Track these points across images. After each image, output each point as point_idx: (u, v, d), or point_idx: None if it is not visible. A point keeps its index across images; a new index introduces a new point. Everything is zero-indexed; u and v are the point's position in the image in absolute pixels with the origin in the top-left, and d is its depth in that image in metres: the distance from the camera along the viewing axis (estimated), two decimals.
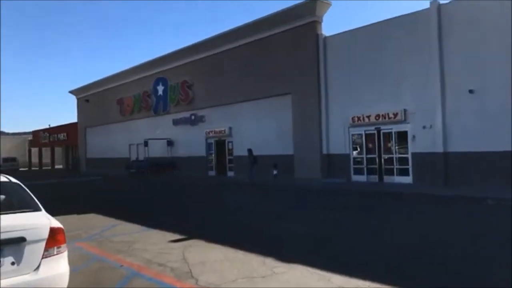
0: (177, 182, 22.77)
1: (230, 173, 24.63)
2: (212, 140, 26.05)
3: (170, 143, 29.08)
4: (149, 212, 12.07)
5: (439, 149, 15.45)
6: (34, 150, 54.27)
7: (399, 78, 16.71)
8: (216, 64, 25.14)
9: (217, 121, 25.31)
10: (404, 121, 16.61)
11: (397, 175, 17.03)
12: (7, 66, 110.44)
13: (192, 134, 27.19)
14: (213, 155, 26.02)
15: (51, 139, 47.93)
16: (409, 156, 16.58)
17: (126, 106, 33.74)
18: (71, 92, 42.50)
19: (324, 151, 19.37)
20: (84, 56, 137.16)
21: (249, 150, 20.78)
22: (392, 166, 17.20)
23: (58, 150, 52.33)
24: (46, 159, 52.97)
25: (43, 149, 52.80)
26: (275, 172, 19.95)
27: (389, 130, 17.26)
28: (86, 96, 40.03)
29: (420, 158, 16.11)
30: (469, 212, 10.39)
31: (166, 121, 29.47)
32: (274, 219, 10.10)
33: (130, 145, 33.42)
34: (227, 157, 25.12)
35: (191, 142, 27.13)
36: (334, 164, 19.05)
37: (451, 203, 11.77)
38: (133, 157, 32.45)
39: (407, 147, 16.71)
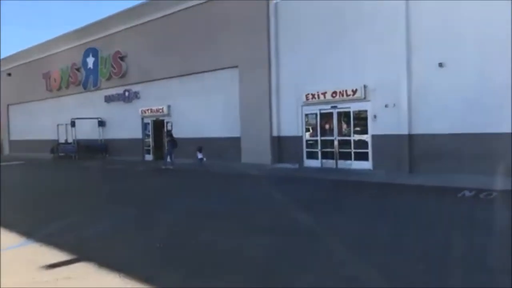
0: (101, 169, 19.59)
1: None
2: (149, 120, 22.96)
3: (101, 123, 25.63)
4: (49, 212, 9.15)
5: (404, 131, 13.52)
6: None
7: (359, 50, 14.57)
8: (153, 32, 21.89)
9: (154, 98, 22.22)
10: (364, 99, 14.56)
11: (355, 159, 15.04)
12: None
13: (126, 113, 23.92)
14: (150, 138, 22.97)
15: None
16: (369, 138, 14.61)
17: (53, 80, 29.59)
18: None
19: (275, 133, 17.05)
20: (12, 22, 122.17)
21: (168, 132, 19.60)
22: (349, 150, 15.19)
23: None
24: None
25: None
26: (199, 156, 17.46)
27: (347, 109, 15.18)
28: (8, 69, 35.07)
29: (382, 141, 14.17)
30: (447, 207, 8.40)
31: (98, 98, 25.90)
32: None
33: (58, 125, 29.32)
34: (166, 140, 22.14)
35: (125, 122, 23.89)
36: (286, 147, 16.80)
37: (421, 196, 9.81)
38: (62, 139, 28.58)
39: (367, 129, 14.72)
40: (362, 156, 14.83)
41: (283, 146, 16.91)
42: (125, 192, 12.04)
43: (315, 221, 7.17)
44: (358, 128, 15.09)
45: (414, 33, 13.29)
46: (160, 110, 21.72)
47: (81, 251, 5.64)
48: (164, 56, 21.15)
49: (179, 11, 20.40)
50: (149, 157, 22.96)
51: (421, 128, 13.27)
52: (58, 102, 29.77)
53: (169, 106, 21.38)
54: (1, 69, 36.06)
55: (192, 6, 19.72)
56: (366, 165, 14.68)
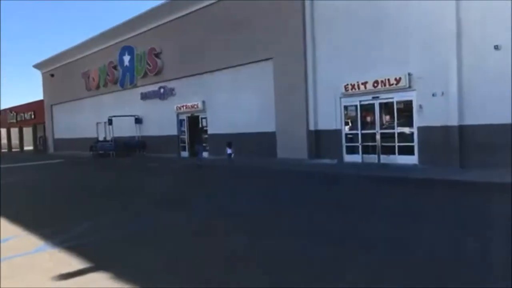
0: (136, 166, 19.48)
1: (205, 154, 21.35)
2: (184, 117, 22.70)
3: (138, 120, 25.69)
4: (76, 213, 8.88)
5: (453, 121, 12.33)
6: (4, 131, 50.28)
7: (402, 35, 13.47)
8: (186, 27, 21.56)
9: (189, 94, 21.92)
10: (408, 88, 13.44)
11: (399, 154, 13.96)
12: None
13: (161, 109, 23.81)
14: (186, 134, 22.72)
15: (18, 119, 44.06)
16: (415, 131, 13.48)
17: (92, 79, 30.07)
18: (35, 66, 38.49)
19: (312, 127, 16.21)
20: (52, 26, 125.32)
21: (202, 128, 19.98)
22: (393, 144, 14.11)
23: (28, 130, 48.40)
24: (17, 140, 49.03)
25: (12, 129, 48.73)
26: (229, 151, 16.95)
27: (390, 100, 14.12)
28: (51, 70, 36.15)
29: (429, 133, 13.02)
30: None
31: (134, 96, 25.99)
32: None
33: (97, 123, 29.89)
34: (202, 136, 21.78)
35: (161, 119, 23.77)
36: (323, 142, 15.94)
37: (484, 195, 8.72)
38: (101, 137, 29.03)
39: (412, 120, 13.61)
40: (407, 150, 13.74)
41: (320, 141, 16.06)
42: (156, 191, 11.67)
43: (388, 231, 6.31)
44: (402, 120, 14.00)
45: (465, 13, 12.04)
46: (195, 106, 21.39)
47: (101, 258, 5.17)
48: (198, 51, 20.78)
49: (212, 4, 19.91)
50: (185, 154, 22.73)
51: (473, 118, 12.02)
52: (97, 101, 30.25)
53: (203, 102, 20.99)
54: (44, 71, 37.28)
55: None
56: (412, 159, 13.58)
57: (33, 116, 40.95)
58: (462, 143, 12.22)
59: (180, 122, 22.96)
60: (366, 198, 8.74)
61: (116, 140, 25.61)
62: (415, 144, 13.49)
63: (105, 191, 11.70)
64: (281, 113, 17.08)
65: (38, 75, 39.20)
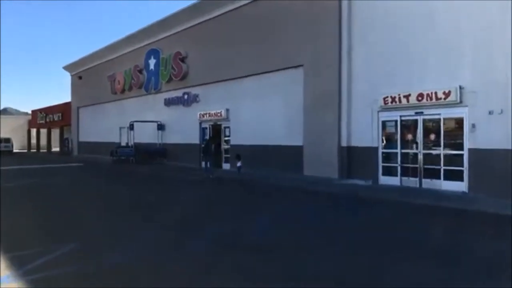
0: (151, 176, 18.23)
1: (226, 166, 20.01)
2: (207, 125, 21.46)
3: (160, 126, 24.69)
4: (60, 229, 7.60)
5: None
6: (34, 131, 50.81)
7: (452, 42, 11.73)
8: (212, 31, 20.43)
9: (213, 101, 20.69)
10: (459, 103, 11.62)
11: (445, 179, 12.10)
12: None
13: (184, 116, 22.71)
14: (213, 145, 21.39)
15: (47, 120, 44.28)
16: (465, 153, 11.62)
17: (117, 83, 29.41)
18: (65, 68, 38.46)
19: (344, 143, 14.56)
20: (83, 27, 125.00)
21: (208, 140, 18.19)
22: (438, 166, 12.25)
23: (56, 132, 48.66)
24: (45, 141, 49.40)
25: (42, 130, 49.10)
26: (238, 164, 15.65)
27: (436, 116, 12.31)
28: (80, 73, 35.95)
29: (482, 156, 11.13)
30: None
31: (158, 101, 25.05)
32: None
33: (120, 128, 29.14)
34: (223, 146, 20.50)
35: (184, 126, 22.63)
36: (356, 160, 14.25)
37: None
38: (124, 142, 28.26)
39: (462, 141, 11.76)
40: (455, 175, 11.87)
41: (353, 158, 14.37)
42: (165, 207, 10.31)
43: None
44: (450, 140, 12.15)
45: None
46: (218, 114, 20.11)
47: None
48: (223, 56, 19.57)
49: (240, 7, 18.68)
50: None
51: None
52: (121, 105, 29.59)
53: (227, 110, 19.68)
54: (73, 73, 37.15)
55: (254, 0, 17.87)
56: (460, 186, 11.71)
57: (61, 118, 40.98)
58: None
59: (202, 131, 21.73)
60: (420, 234, 7.04)
61: (136, 146, 24.69)
62: (465, 168, 11.62)
63: (109, 204, 10.46)
64: (310, 125, 15.52)
65: (68, 77, 39.13)
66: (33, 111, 50.04)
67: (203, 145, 17.44)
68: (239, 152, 18.18)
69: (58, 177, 17.88)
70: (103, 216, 9.03)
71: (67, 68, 38.08)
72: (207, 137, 18.68)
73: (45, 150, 47.01)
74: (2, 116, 54.17)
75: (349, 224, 8.18)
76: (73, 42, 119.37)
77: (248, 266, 5.32)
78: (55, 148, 47.71)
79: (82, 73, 35.32)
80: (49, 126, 45.11)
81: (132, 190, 13.73)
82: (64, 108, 40.12)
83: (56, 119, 41.97)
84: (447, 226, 7.86)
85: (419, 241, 6.68)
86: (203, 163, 17.44)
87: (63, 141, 41.29)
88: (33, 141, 50.54)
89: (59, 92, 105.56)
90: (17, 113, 60.30)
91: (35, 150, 48.98)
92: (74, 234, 7.08)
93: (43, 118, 44.96)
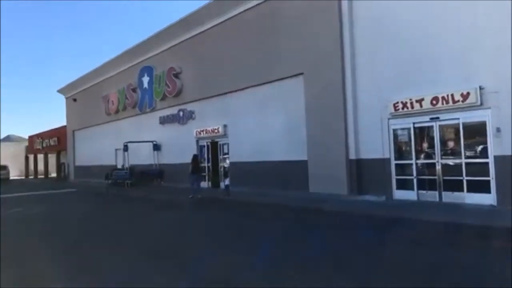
0: (145, 201, 16.82)
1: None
2: (204, 142, 20.24)
3: (156, 147, 23.48)
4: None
5: None
6: (32, 157, 49.70)
7: (469, 37, 10.57)
8: (206, 43, 19.40)
9: (209, 117, 19.52)
10: (480, 105, 10.39)
11: (468, 191, 10.76)
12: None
13: (181, 135, 21.50)
14: (206, 162, 20.18)
15: (44, 145, 43.24)
16: (491, 161, 10.32)
17: (111, 103, 28.35)
18: (59, 91, 37.55)
19: (352, 155, 13.28)
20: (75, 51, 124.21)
21: (195, 156, 16.57)
22: (459, 178, 10.93)
23: (53, 157, 47.54)
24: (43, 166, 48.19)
25: (39, 155, 47.97)
26: (226, 183, 14.87)
27: (455, 121, 11.05)
28: (74, 95, 35.00)
29: (511, 164, 9.84)
30: None
31: (153, 120, 23.89)
32: None
33: (116, 150, 27.96)
34: (223, 165, 19.22)
35: (180, 145, 21.38)
36: (367, 174, 12.94)
37: None
38: (120, 165, 27.03)
39: (486, 147, 10.47)
40: (480, 186, 10.54)
41: (363, 172, 13.07)
42: (152, 244, 8.99)
43: None
44: (472, 147, 10.88)
45: None
46: (216, 131, 18.90)
47: None
48: (219, 69, 18.50)
49: (233, 16, 17.67)
50: (204, 184, 20.09)
51: None
52: (116, 126, 28.46)
53: (225, 126, 18.48)
54: (67, 95, 36.25)
55: (249, 8, 16.85)
56: (486, 199, 10.38)
57: (57, 142, 39.92)
58: None
59: (200, 149, 20.49)
60: (448, 261, 5.71)
61: (132, 169, 23.46)
62: (492, 178, 10.29)
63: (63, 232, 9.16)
64: (314, 138, 14.26)
65: (62, 100, 38.19)
66: (30, 137, 49.06)
67: (193, 164, 16.07)
68: (237, 169, 16.94)
69: (43, 205, 16.57)
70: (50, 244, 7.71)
71: (61, 91, 37.16)
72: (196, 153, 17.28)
73: (42, 176, 45.86)
74: (2, 143, 53.11)
75: (364, 248, 6.83)
76: (67, 64, 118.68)
77: None
78: (53, 174, 46.57)
79: (77, 95, 34.37)
80: (46, 151, 44.02)
81: (102, 217, 12.39)
82: (60, 132, 39.08)
83: (52, 143, 40.92)
84: (479, 250, 6.51)
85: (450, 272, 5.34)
86: (190, 183, 16.08)
87: (59, 166, 40.11)
88: (31, 167, 49.42)
89: (57, 116, 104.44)
90: (20, 139, 59.36)
91: (32, 177, 47.83)
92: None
93: (40, 143, 43.94)
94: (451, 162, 11.19)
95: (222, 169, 18.76)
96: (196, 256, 6.90)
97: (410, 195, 11.92)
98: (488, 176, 10.35)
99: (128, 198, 17.99)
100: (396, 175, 12.32)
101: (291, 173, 15.03)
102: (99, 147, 30.80)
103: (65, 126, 37.70)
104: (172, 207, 14.02)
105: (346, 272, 5.62)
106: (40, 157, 47.04)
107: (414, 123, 11.86)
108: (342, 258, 6.34)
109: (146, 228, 10.14)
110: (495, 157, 10.19)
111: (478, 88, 10.33)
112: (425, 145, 11.82)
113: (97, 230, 10.13)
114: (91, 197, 19.98)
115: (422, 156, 11.84)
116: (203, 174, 18.88)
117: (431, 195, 11.49)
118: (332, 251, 6.84)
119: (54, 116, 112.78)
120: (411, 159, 11.97)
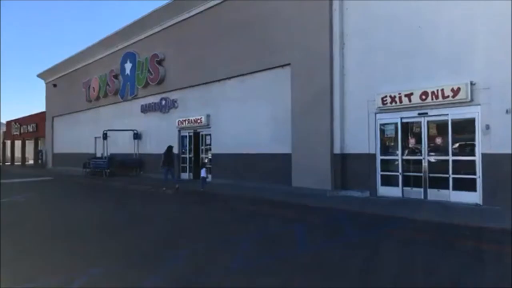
0: (121, 191, 16.17)
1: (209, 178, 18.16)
2: (186, 133, 19.66)
3: (137, 135, 22.81)
4: None
5: None
6: (9, 143, 48.24)
7: (461, 31, 10.27)
8: (191, 30, 18.78)
9: (192, 107, 18.95)
10: (470, 101, 10.11)
11: (454, 189, 10.50)
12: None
13: (162, 124, 20.91)
14: (187, 153, 19.63)
15: (21, 131, 41.91)
16: (478, 159, 10.06)
17: (92, 90, 27.46)
18: (39, 76, 36.34)
19: (337, 150, 12.90)
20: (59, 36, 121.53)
21: (169, 148, 15.66)
22: (446, 175, 10.65)
23: (31, 143, 46.22)
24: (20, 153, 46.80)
25: (16, 142, 46.54)
26: (203, 174, 14.52)
27: (443, 118, 10.75)
28: (54, 80, 33.90)
29: (498, 163, 9.60)
30: None
31: (134, 108, 23.20)
32: None
33: (96, 138, 27.07)
34: (203, 156, 18.72)
35: (162, 134, 20.79)
36: (352, 169, 12.59)
37: None
38: (100, 153, 26.21)
39: (473, 145, 10.21)
40: (466, 185, 10.29)
41: (348, 167, 12.71)
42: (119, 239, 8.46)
43: None
44: (459, 144, 10.61)
45: None
46: (199, 121, 18.34)
47: None
48: (204, 57, 17.92)
49: (220, 3, 17.09)
50: (185, 176, 19.57)
51: None
52: (96, 113, 27.63)
53: (208, 116, 17.93)
54: (48, 80, 35.13)
55: None
56: (472, 197, 10.14)
57: (35, 129, 38.72)
58: None
59: (182, 139, 19.91)
60: (431, 263, 5.36)
61: (110, 158, 22.72)
62: (478, 177, 10.04)
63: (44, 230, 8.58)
64: (299, 131, 13.84)
65: (42, 85, 37.00)
66: (7, 122, 47.55)
67: (166, 155, 15.42)
68: (220, 161, 16.50)
69: (21, 194, 15.81)
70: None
71: (42, 75, 35.96)
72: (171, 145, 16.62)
73: (19, 163, 44.55)
74: None
75: (335, 246, 6.43)
76: (48, 47, 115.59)
77: None
78: (31, 161, 45.29)
79: (57, 81, 33.29)
80: (24, 138, 42.72)
81: (73, 209, 11.76)
82: (38, 118, 37.88)
83: (30, 130, 39.69)
84: (466, 250, 6.19)
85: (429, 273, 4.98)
86: (163, 174, 15.49)
87: (37, 153, 38.96)
88: (9, 154, 48.00)
89: (34, 101, 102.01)
90: None
91: (9, 163, 46.44)
92: None
93: (18, 129, 42.60)
94: (437, 159, 10.91)
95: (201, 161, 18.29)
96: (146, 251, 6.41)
97: (394, 191, 11.62)
98: (475, 174, 10.10)
99: (103, 188, 17.31)
100: (381, 170, 12.00)
101: (274, 166, 14.62)
102: (78, 135, 29.91)
103: (44, 112, 36.53)
104: (144, 199, 13.36)
105: (310, 272, 5.21)
106: (18, 143, 45.71)
107: (402, 118, 11.53)
108: (301, 257, 5.93)
109: (106, 223, 9.58)
110: (483, 155, 9.94)
111: (469, 84, 10.04)
112: (412, 141, 11.52)
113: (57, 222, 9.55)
114: (66, 186, 19.21)
115: (407, 152, 11.54)
116: (179, 165, 18.23)
117: (416, 192, 11.21)
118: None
119: (34, 101, 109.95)
120: (397, 155, 11.66)
